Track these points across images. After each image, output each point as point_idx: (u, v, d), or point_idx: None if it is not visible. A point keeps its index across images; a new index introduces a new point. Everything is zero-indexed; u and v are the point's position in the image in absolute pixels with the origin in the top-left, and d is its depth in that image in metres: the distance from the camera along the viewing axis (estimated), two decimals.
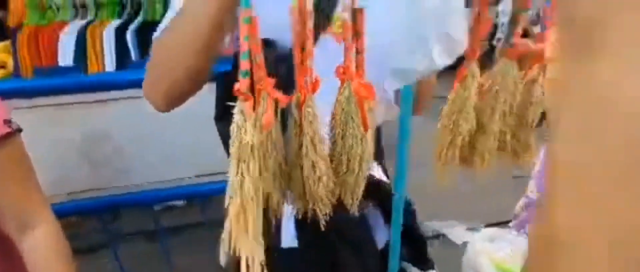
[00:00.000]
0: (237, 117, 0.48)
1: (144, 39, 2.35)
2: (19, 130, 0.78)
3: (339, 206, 0.60)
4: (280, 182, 0.54)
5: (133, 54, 2.37)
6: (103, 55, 2.39)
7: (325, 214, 0.55)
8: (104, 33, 2.39)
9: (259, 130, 0.48)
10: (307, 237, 0.75)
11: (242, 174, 0.48)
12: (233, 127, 0.48)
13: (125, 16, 2.50)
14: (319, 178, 0.49)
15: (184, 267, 2.18)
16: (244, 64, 0.47)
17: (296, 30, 0.49)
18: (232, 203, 0.47)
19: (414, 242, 0.89)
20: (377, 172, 0.81)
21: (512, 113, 0.78)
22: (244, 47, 0.46)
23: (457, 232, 2.61)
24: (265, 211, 0.56)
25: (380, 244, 0.85)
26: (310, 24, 0.47)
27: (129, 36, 2.38)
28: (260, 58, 0.50)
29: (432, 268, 0.90)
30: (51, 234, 0.82)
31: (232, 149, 0.48)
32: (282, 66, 0.59)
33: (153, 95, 0.71)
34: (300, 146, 0.51)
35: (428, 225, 2.63)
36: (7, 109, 0.79)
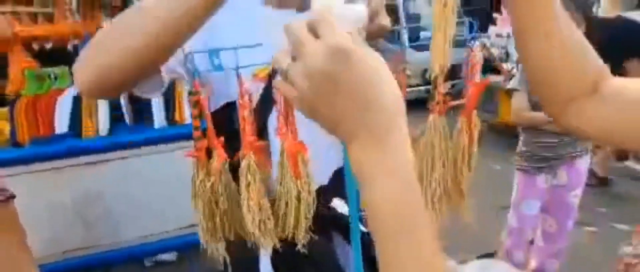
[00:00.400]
0: (193, 168, 0.67)
1: (137, 102, 2.51)
2: (12, 196, 0.88)
3: (291, 242, 0.72)
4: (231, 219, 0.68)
5: (127, 118, 2.52)
6: (97, 120, 2.53)
7: (274, 249, 0.67)
8: None
9: (209, 176, 0.65)
10: (281, 270, 0.86)
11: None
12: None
13: None
14: (252, 219, 0.62)
15: None
16: (195, 134, 0.61)
17: (239, 103, 0.63)
18: None
19: None
20: (343, 208, 0.92)
21: (447, 162, 0.88)
22: (195, 123, 0.60)
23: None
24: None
25: None
26: (246, 98, 0.61)
27: (123, 100, 2.53)
28: (211, 126, 0.64)
29: None
30: None
31: (191, 190, 0.65)
32: None
33: (86, 71, 0.65)
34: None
35: None
36: (1, 179, 0.89)
